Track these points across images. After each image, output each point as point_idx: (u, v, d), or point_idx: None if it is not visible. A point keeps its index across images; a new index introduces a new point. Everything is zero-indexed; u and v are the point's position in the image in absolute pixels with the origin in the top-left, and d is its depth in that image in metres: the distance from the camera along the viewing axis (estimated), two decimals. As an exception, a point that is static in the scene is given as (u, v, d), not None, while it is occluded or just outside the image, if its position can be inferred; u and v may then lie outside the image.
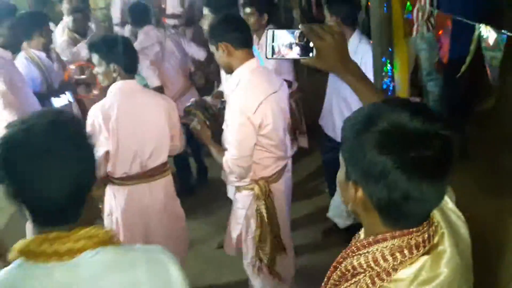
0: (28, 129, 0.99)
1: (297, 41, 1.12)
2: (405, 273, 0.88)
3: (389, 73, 2.64)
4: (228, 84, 2.27)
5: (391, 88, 2.67)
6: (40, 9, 4.50)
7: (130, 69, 2.40)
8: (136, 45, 3.83)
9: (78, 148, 1.03)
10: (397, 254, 0.89)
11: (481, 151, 2.90)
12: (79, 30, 4.16)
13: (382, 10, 2.18)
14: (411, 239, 0.89)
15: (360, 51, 2.81)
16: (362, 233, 1.03)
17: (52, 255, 0.98)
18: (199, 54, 4.15)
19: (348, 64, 1.17)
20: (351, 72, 1.18)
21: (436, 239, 0.93)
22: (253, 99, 2.12)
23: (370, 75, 2.63)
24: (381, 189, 0.86)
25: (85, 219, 1.06)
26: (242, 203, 2.41)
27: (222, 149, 2.28)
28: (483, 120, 3.28)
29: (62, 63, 3.80)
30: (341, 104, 2.97)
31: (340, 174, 0.98)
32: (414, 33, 2.42)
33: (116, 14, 5.89)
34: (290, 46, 1.12)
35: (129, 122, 2.32)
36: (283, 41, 1.12)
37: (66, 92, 3.33)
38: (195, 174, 4.34)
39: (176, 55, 3.95)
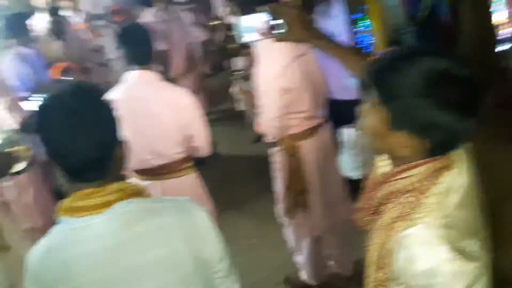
0: (59, 95, 1.11)
1: (265, 22, 1.26)
2: (440, 187, 1.01)
3: (368, 28, 2.90)
4: (254, 51, 2.41)
5: (370, 42, 2.93)
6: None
7: (137, 58, 2.26)
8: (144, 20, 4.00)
9: (100, 109, 1.12)
10: (433, 175, 1.01)
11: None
12: (54, 32, 4.43)
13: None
14: (443, 162, 1.02)
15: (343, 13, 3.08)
16: (383, 166, 1.14)
17: (90, 208, 1.08)
18: (200, 36, 4.61)
19: (314, 31, 1.31)
20: (319, 37, 1.32)
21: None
22: (276, 63, 2.27)
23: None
24: (442, 137, 0.97)
25: (113, 175, 1.14)
26: (274, 157, 2.61)
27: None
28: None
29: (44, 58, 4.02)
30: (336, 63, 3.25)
31: (376, 125, 1.03)
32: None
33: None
34: (261, 28, 1.30)
35: (128, 113, 2.01)
36: (254, 24, 1.30)
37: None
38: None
39: (178, 37, 4.21)
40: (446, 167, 1.03)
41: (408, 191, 1.02)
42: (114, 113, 1.15)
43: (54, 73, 3.83)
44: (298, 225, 2.65)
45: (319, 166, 2.57)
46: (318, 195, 2.60)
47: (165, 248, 1.11)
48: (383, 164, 1.16)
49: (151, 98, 2.26)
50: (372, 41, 2.84)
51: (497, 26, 1.46)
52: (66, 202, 1.11)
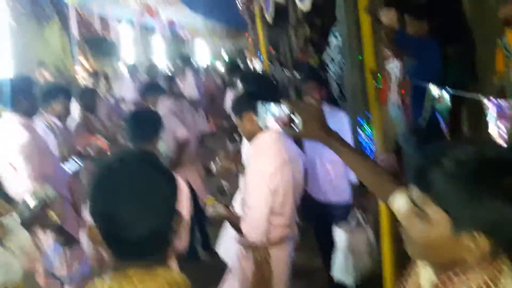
0: (122, 158, 1.03)
1: (283, 114, 1.26)
2: None
3: (369, 135, 2.97)
4: (248, 149, 2.37)
5: (371, 148, 2.98)
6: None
7: (131, 135, 2.38)
8: (163, 108, 4.06)
9: (168, 181, 1.05)
10: (492, 279, 0.94)
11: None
12: (88, 108, 4.66)
13: (356, 79, 2.53)
14: (499, 264, 0.96)
15: (332, 118, 3.19)
16: (424, 273, 1.06)
17: None
18: (205, 126, 4.98)
19: (329, 131, 1.30)
20: (334, 138, 1.31)
21: None
22: (270, 164, 2.23)
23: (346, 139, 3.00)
24: (508, 232, 0.90)
25: (163, 253, 1.07)
26: (241, 260, 2.45)
27: (238, 216, 2.34)
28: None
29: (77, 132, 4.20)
30: (326, 166, 3.23)
31: (437, 233, 0.94)
32: (390, 102, 2.73)
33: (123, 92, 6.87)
34: (280, 119, 1.27)
35: None
36: (273, 114, 1.27)
37: (75, 158, 3.58)
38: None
39: (192, 124, 4.37)
40: (502, 270, 0.95)
41: None
42: (177, 186, 1.08)
43: (80, 142, 3.92)
44: None
45: (283, 275, 2.43)
46: None
47: None
48: (423, 271, 1.07)
49: None
50: (373, 148, 2.89)
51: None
52: (104, 283, 0.99)
